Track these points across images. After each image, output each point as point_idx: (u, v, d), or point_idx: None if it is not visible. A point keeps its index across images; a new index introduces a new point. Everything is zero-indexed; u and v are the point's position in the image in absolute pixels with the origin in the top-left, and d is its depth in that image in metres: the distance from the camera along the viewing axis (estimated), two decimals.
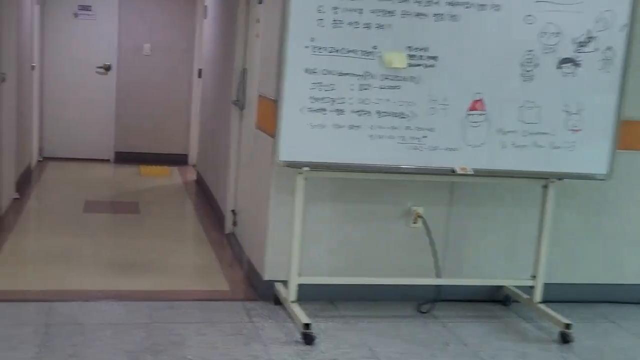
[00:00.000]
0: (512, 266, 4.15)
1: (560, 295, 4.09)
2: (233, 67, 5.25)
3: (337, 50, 3.48)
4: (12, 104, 5.77)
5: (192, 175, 7.79)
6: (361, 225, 4.00)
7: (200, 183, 7.20)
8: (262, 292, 4.01)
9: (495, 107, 3.66)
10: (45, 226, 5.66)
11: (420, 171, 3.69)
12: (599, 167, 3.82)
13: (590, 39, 3.68)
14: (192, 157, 8.38)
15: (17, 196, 6.01)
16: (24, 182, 6.62)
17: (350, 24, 3.47)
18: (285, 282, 3.80)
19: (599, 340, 3.80)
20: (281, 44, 3.49)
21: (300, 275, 3.73)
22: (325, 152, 3.55)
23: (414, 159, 3.63)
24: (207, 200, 6.56)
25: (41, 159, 8.00)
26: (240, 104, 5.11)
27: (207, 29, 7.22)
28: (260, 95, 4.22)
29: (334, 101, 3.51)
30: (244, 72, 5.05)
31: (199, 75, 7.96)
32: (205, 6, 7.39)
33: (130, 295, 3.98)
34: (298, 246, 3.70)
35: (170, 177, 7.73)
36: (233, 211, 5.26)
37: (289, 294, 3.73)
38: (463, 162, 3.67)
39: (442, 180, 3.96)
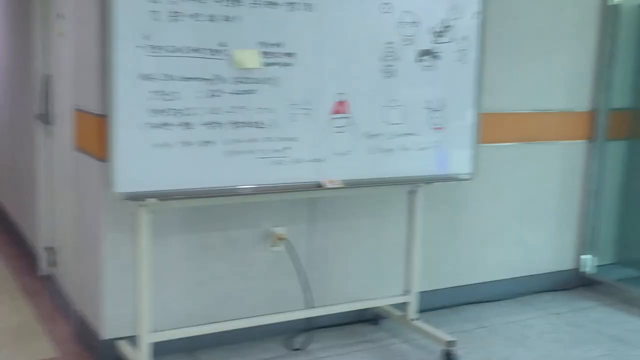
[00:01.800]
0: (382, 281, 3.78)
1: (425, 304, 3.79)
2: (31, 75, 4.27)
3: (178, 50, 2.81)
4: None
5: None
6: (218, 258, 3.35)
7: None
8: (100, 354, 3.19)
9: (359, 108, 3.23)
10: None
11: (285, 189, 3.15)
12: (464, 166, 3.57)
13: (446, 28, 3.40)
14: None
15: None
16: None
17: (191, 16, 2.82)
18: (131, 338, 3.05)
19: (480, 352, 3.55)
20: (104, 45, 2.74)
21: (153, 330, 3.01)
22: (173, 177, 2.86)
23: (277, 176, 3.08)
24: (9, 235, 5.37)
25: None
26: (46, 119, 4.17)
27: None
28: (77, 110, 3.35)
29: (179, 113, 2.84)
30: (47, 80, 4.12)
31: None
32: None
33: None
34: (148, 295, 2.96)
35: None
36: (51, 249, 4.29)
37: (140, 355, 2.99)
38: (330, 173, 3.20)
39: (304, 196, 3.46)
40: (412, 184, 3.48)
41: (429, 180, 3.48)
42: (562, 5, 4.14)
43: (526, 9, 4.02)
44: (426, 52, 3.36)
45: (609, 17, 4.24)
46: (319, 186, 3.17)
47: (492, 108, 3.94)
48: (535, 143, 4.21)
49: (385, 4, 3.21)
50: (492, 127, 3.96)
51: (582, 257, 4.44)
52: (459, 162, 3.55)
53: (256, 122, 2.99)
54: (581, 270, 4.45)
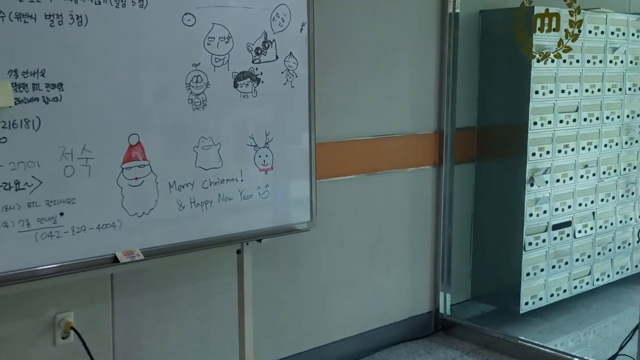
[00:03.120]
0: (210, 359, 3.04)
1: None
2: None
3: None
4: None
5: None
6: None
7: None
8: None
9: (161, 151, 2.44)
10: None
11: (63, 269, 2.29)
12: (300, 213, 2.89)
13: (267, 43, 2.71)
14: None
15: None
16: None
17: None
18: None
19: None
20: None
21: None
22: None
23: (50, 254, 2.23)
24: None
25: None
26: None
27: None
28: None
29: None
30: None
31: None
32: None
33: None
34: None
35: None
36: None
37: None
38: (128, 242, 2.38)
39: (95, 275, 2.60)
40: (237, 242, 2.75)
41: (257, 237, 2.76)
42: (400, 13, 3.60)
43: (361, 18, 3.43)
44: (245, 75, 2.64)
45: (449, 26, 3.77)
46: (114, 261, 2.36)
47: (329, 136, 3.31)
48: (380, 173, 3.63)
49: (188, 13, 2.47)
50: (330, 159, 3.33)
51: (440, 296, 3.94)
52: (294, 208, 2.87)
53: (13, 183, 2.13)
54: (440, 312, 3.94)
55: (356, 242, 3.57)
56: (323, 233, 3.34)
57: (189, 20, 2.46)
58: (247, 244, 2.76)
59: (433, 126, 3.84)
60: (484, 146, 4.05)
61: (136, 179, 2.39)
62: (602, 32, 4.07)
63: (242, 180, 2.66)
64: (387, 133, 3.64)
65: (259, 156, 2.71)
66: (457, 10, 3.79)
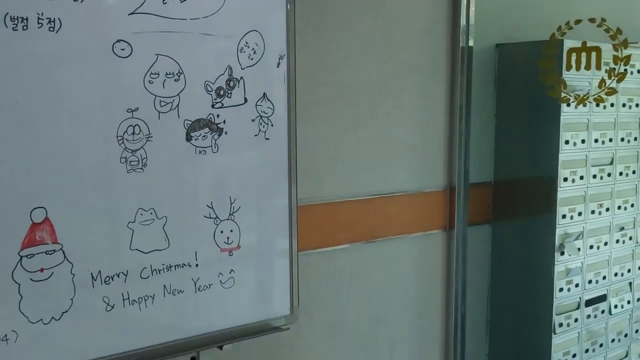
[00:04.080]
0: None
1: None
2: None
3: None
4: None
5: None
6: None
7: None
8: None
9: (79, 231, 1.76)
10: None
11: None
12: (278, 305, 2.21)
13: (233, 82, 2.05)
14: None
15: None
16: None
17: None
18: None
19: None
20: None
21: None
22: None
23: None
24: None
25: None
26: None
27: None
28: None
29: None
30: None
31: None
32: None
33: None
34: None
35: None
36: None
37: None
38: (30, 356, 1.70)
39: None
40: (190, 351, 2.04)
41: (218, 342, 2.05)
42: (401, 48, 2.95)
43: (355, 52, 2.78)
44: (202, 124, 1.98)
45: (461, 63, 3.13)
46: None
47: (314, 197, 2.64)
48: (380, 241, 2.94)
49: (121, 40, 1.81)
50: (316, 226, 2.65)
51: None
52: (269, 299, 2.18)
53: None
54: None
55: (350, 329, 2.86)
56: (308, 321, 2.63)
57: (122, 49, 1.80)
58: (204, 351, 2.06)
59: (442, 182, 3.17)
60: (503, 205, 3.38)
61: (42, 270, 1.70)
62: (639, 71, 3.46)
63: (196, 265, 1.98)
64: (387, 191, 2.96)
65: (221, 232, 2.03)
66: (470, 44, 3.15)
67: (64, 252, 1.72)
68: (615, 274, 3.49)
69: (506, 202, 3.38)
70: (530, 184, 3.31)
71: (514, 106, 3.31)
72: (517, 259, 3.37)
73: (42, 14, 1.66)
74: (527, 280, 3.32)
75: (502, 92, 3.34)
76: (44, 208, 1.69)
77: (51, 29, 1.67)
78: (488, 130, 3.35)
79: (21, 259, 1.65)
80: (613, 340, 3.51)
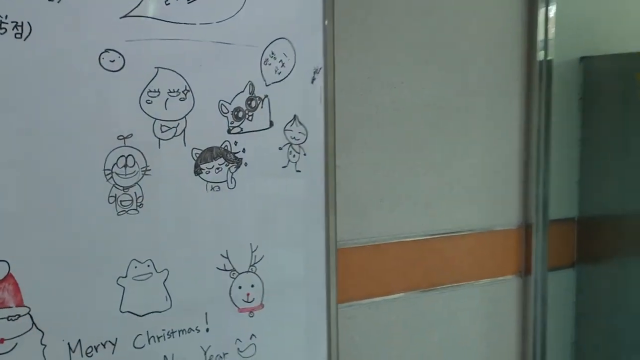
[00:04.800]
0: None
1: None
2: None
3: None
4: None
5: None
6: None
7: None
8: None
9: (52, 291, 1.39)
10: None
11: None
12: None
13: (256, 101, 1.68)
14: None
15: None
16: None
17: None
18: None
19: None
20: None
21: None
22: None
23: None
24: None
25: None
26: None
27: None
28: None
29: None
30: None
31: None
32: None
33: None
34: None
35: None
36: None
37: None
38: None
39: None
40: None
41: None
42: (466, 61, 2.54)
43: (409, 67, 2.39)
44: (216, 153, 1.61)
45: (540, 79, 2.71)
46: None
47: (359, 239, 2.24)
48: (440, 289, 2.52)
49: (110, 51, 1.45)
50: (361, 272, 2.24)
51: None
52: None
53: None
54: None
55: None
56: None
57: (112, 61, 1.44)
58: None
59: (517, 219, 2.74)
60: (589, 245, 2.94)
61: (1, 341, 1.34)
62: None
63: (207, 330, 1.59)
64: (450, 230, 2.54)
65: (239, 287, 1.64)
66: (550, 57, 2.72)
67: (31, 317, 1.36)
68: None
69: (593, 242, 2.94)
70: (622, 220, 2.86)
71: (603, 129, 2.86)
72: (607, 309, 2.92)
73: (6, 16, 1.32)
74: (618, 334, 2.87)
75: (588, 113, 2.90)
76: (6, 262, 1.33)
77: (18, 35, 1.33)
78: (571, 158, 2.91)
79: None
80: None
